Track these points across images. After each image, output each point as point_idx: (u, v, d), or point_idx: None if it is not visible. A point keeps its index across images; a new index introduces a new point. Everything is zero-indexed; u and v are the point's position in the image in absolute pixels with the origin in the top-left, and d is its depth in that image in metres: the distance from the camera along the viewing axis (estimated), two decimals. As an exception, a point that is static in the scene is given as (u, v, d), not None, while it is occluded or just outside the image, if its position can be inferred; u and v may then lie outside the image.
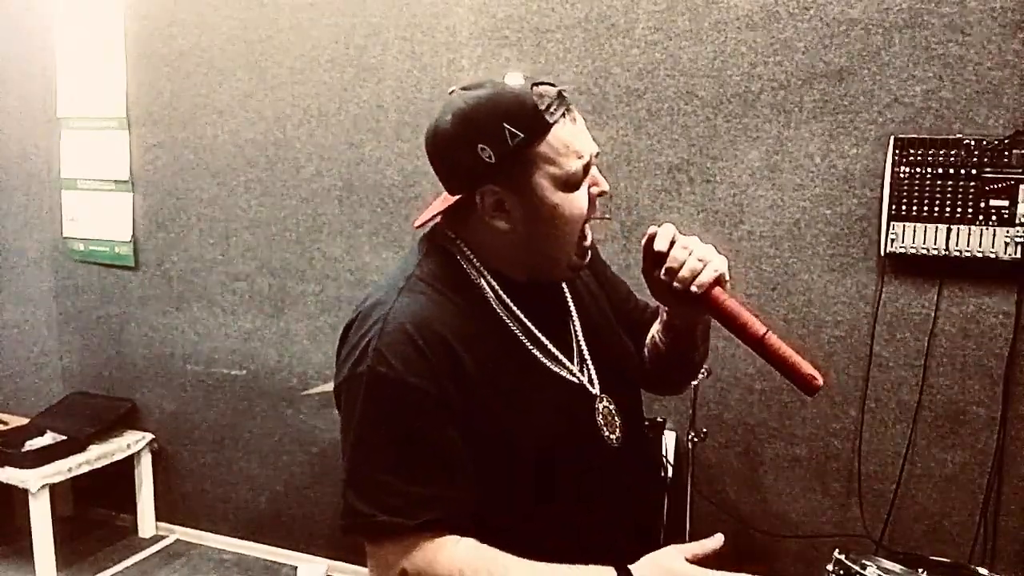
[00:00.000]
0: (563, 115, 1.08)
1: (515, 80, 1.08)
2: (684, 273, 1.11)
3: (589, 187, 1.12)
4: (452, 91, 1.12)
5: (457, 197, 1.12)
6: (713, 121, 2.51)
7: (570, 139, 1.08)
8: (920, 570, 1.89)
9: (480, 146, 1.05)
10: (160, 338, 3.41)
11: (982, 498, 2.37)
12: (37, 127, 3.51)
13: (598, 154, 1.13)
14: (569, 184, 1.09)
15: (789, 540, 2.58)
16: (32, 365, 3.69)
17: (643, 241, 1.14)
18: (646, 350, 1.36)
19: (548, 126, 1.06)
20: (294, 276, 3.14)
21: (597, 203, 1.15)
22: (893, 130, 2.32)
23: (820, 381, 1.07)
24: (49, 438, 3.18)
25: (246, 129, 3.14)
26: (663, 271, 1.13)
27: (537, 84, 1.08)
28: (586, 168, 1.10)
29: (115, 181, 3.38)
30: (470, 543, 1.05)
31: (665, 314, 1.27)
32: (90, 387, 3.56)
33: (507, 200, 1.09)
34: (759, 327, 1.09)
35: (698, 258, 1.11)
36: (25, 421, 3.41)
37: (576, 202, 1.11)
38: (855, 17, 2.33)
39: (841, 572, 1.93)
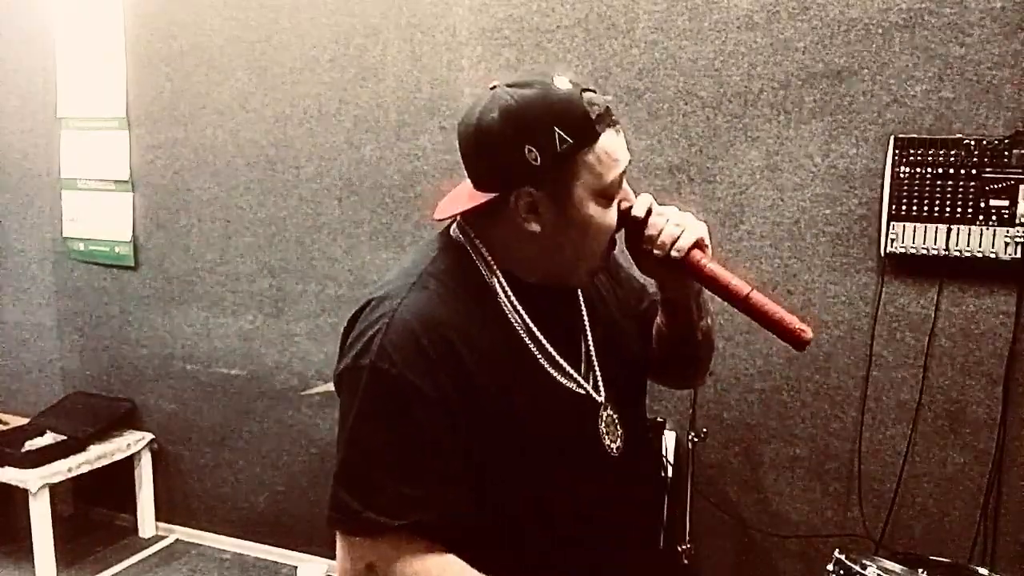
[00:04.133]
0: (609, 125, 1.07)
1: (563, 83, 1.05)
2: (663, 239, 1.12)
3: (619, 201, 1.12)
4: (495, 86, 1.08)
5: (485, 196, 1.09)
6: (713, 121, 2.51)
7: (612, 151, 1.07)
8: (920, 570, 1.89)
9: (527, 147, 1.03)
10: (160, 338, 3.41)
11: (982, 498, 2.37)
12: (37, 127, 3.51)
13: (630, 163, 1.12)
14: (606, 196, 1.09)
15: (789, 540, 2.58)
16: (32, 365, 3.69)
17: (623, 215, 1.15)
18: (654, 340, 1.35)
19: (597, 135, 1.05)
20: (294, 276, 3.14)
21: (624, 218, 1.15)
22: (893, 130, 2.32)
23: (809, 334, 1.09)
24: (49, 438, 3.18)
25: (246, 129, 3.14)
26: (644, 240, 1.14)
27: (585, 90, 1.06)
28: (620, 179, 1.10)
29: (115, 181, 3.38)
30: (445, 559, 1.05)
31: (659, 292, 1.27)
32: (90, 387, 3.56)
33: (541, 204, 1.07)
34: (743, 286, 1.11)
35: (675, 223, 1.13)
36: (25, 421, 3.41)
37: (609, 215, 1.11)
38: (855, 17, 2.34)
39: (841, 572, 1.93)
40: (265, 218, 3.16)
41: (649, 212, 1.14)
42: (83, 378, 3.58)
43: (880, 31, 2.32)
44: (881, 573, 1.88)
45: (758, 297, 1.10)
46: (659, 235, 1.12)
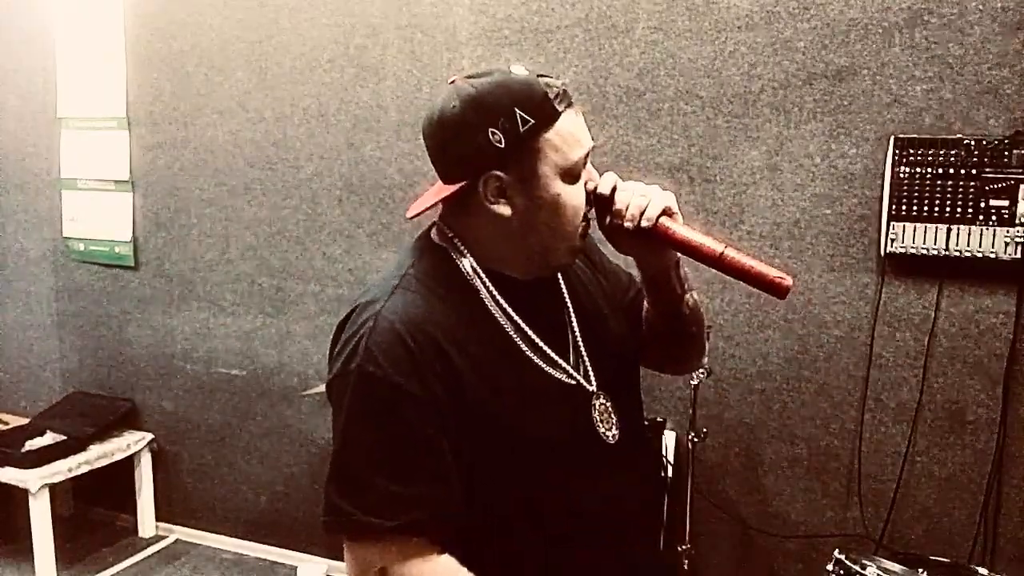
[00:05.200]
0: (568, 106, 1.09)
1: (519, 70, 1.09)
2: (632, 211, 1.14)
3: (585, 182, 1.14)
4: (453, 80, 1.11)
5: (454, 187, 1.11)
6: (713, 121, 2.51)
7: (575, 129, 1.10)
8: (920, 570, 1.89)
9: (491, 130, 1.05)
10: (160, 338, 3.41)
11: (982, 498, 2.37)
12: (37, 127, 3.51)
13: (593, 148, 1.14)
14: (571, 175, 1.10)
15: (789, 540, 2.58)
16: (32, 365, 3.69)
17: (590, 195, 1.16)
18: (644, 324, 1.35)
19: (557, 114, 1.07)
20: (294, 276, 3.14)
21: (591, 197, 1.16)
22: (893, 130, 2.32)
23: (788, 281, 1.12)
24: (49, 438, 3.18)
25: (246, 129, 3.14)
26: (613, 215, 1.15)
27: (541, 75, 1.09)
28: (585, 159, 1.12)
29: (115, 181, 3.38)
30: (448, 563, 1.06)
31: (639, 270, 1.27)
32: (90, 387, 3.56)
33: (509, 187, 1.09)
34: (716, 246, 1.12)
35: (640, 194, 1.14)
36: (25, 421, 3.41)
37: (577, 194, 1.12)
38: (855, 17, 2.34)
39: (841, 572, 1.93)
40: (265, 218, 3.16)
41: (615, 189, 1.15)
42: (83, 378, 3.58)
43: (880, 31, 2.32)
44: (881, 573, 1.88)
45: (733, 254, 1.11)
46: (627, 208, 1.14)
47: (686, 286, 1.28)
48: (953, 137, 2.25)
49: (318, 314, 3.12)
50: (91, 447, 3.20)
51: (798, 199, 2.46)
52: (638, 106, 2.59)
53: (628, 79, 2.59)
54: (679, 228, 1.14)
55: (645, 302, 1.33)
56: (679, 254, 1.21)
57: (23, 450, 3.06)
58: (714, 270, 1.13)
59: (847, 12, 2.34)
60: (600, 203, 1.16)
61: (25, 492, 2.93)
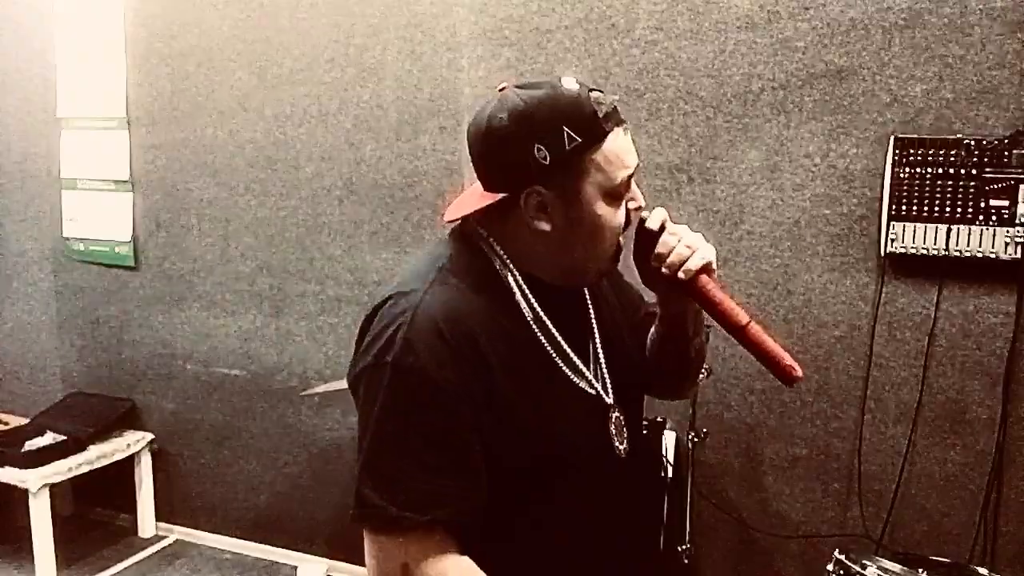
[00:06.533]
0: (616, 124, 1.08)
1: (570, 83, 1.07)
2: (673, 259, 1.13)
3: (627, 201, 1.13)
4: (503, 88, 1.10)
5: (495, 197, 1.10)
6: (713, 121, 2.51)
7: (621, 150, 1.09)
8: (920, 570, 1.89)
9: (537, 146, 1.04)
10: (160, 338, 3.41)
11: (982, 498, 2.37)
12: (37, 127, 3.51)
13: (638, 167, 1.13)
14: (614, 195, 1.10)
15: (789, 540, 2.58)
16: (32, 365, 3.70)
17: (635, 225, 1.15)
18: (647, 351, 1.36)
19: (605, 134, 1.06)
20: (294, 276, 3.14)
21: (631, 216, 1.16)
22: (893, 130, 2.32)
23: (799, 372, 1.09)
24: (49, 438, 3.18)
25: (246, 129, 3.14)
26: (652, 256, 1.14)
27: (592, 90, 1.08)
28: (628, 180, 1.11)
29: (115, 181, 3.38)
30: (467, 562, 1.05)
31: (657, 305, 1.27)
32: (90, 387, 3.56)
33: (551, 204, 1.08)
34: (742, 316, 1.11)
35: (687, 245, 1.13)
36: (25, 421, 3.42)
37: (617, 215, 1.12)
38: (855, 17, 2.34)
39: (841, 572, 1.93)
40: (265, 218, 3.16)
41: (662, 228, 1.14)
42: (83, 378, 3.58)
43: (880, 31, 2.32)
44: (881, 573, 1.89)
45: (755, 329, 1.11)
46: (669, 254, 1.13)
47: (699, 329, 1.29)
48: (953, 137, 2.25)
49: (318, 314, 3.12)
50: (91, 447, 3.20)
51: (798, 199, 2.46)
52: (638, 106, 2.59)
53: (628, 79, 2.59)
54: (713, 288, 1.13)
55: (652, 330, 1.33)
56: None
57: (23, 450, 3.06)
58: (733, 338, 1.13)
59: (847, 12, 2.34)
60: (643, 236, 1.15)
61: (25, 492, 2.93)
